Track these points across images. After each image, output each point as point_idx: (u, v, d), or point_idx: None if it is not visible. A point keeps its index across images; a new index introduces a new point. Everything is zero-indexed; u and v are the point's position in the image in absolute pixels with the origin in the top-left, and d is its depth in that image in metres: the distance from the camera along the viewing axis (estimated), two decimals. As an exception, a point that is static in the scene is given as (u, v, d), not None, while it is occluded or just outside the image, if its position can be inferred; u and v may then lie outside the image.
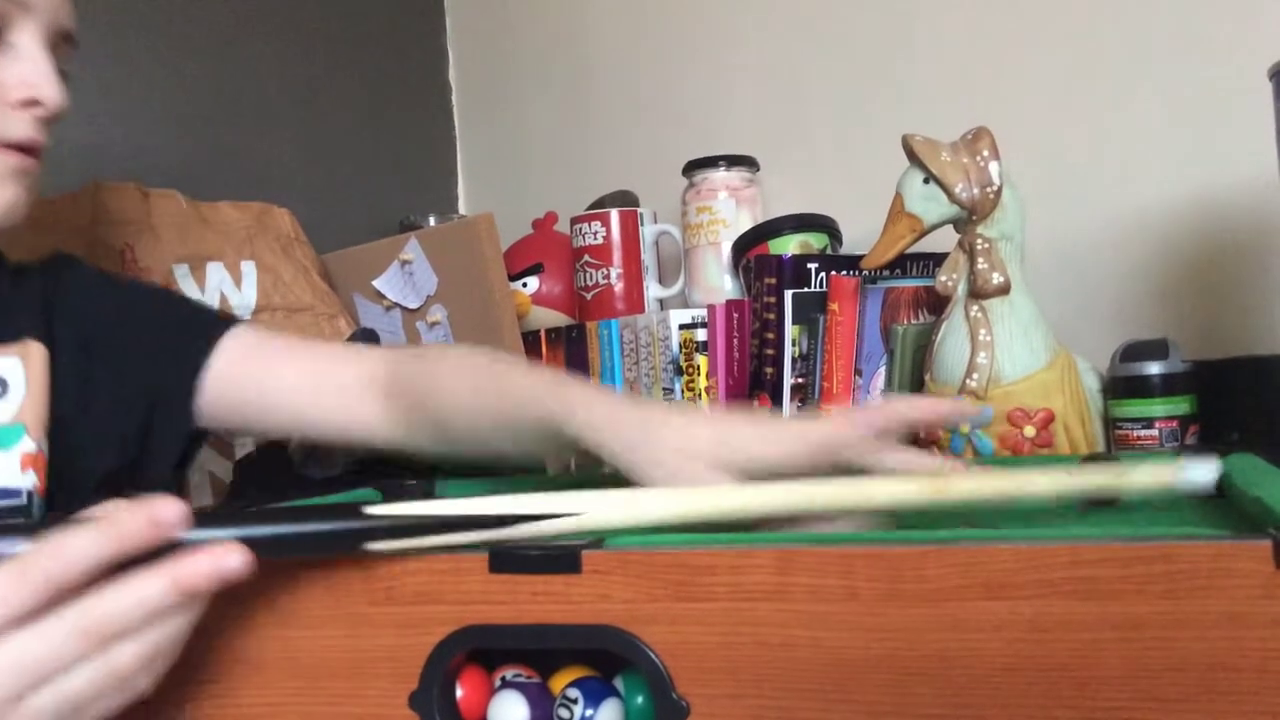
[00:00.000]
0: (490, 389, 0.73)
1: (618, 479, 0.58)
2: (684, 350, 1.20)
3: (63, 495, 0.81)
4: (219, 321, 0.87)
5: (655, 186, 1.42)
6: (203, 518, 0.45)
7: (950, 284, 0.96)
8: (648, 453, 0.60)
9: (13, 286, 0.86)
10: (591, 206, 1.40)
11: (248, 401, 0.85)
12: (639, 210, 1.36)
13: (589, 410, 0.63)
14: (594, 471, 0.68)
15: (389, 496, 0.81)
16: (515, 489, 0.82)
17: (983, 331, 0.93)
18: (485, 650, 0.49)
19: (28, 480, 0.78)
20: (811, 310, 1.07)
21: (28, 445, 0.79)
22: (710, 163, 1.29)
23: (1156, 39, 1.10)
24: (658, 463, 0.59)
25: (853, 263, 1.08)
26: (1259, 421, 0.97)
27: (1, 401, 0.80)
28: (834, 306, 1.05)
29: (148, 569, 0.43)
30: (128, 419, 0.85)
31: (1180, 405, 0.95)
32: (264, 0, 1.60)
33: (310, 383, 0.83)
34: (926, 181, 0.94)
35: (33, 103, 0.77)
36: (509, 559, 0.46)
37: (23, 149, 0.78)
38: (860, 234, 1.23)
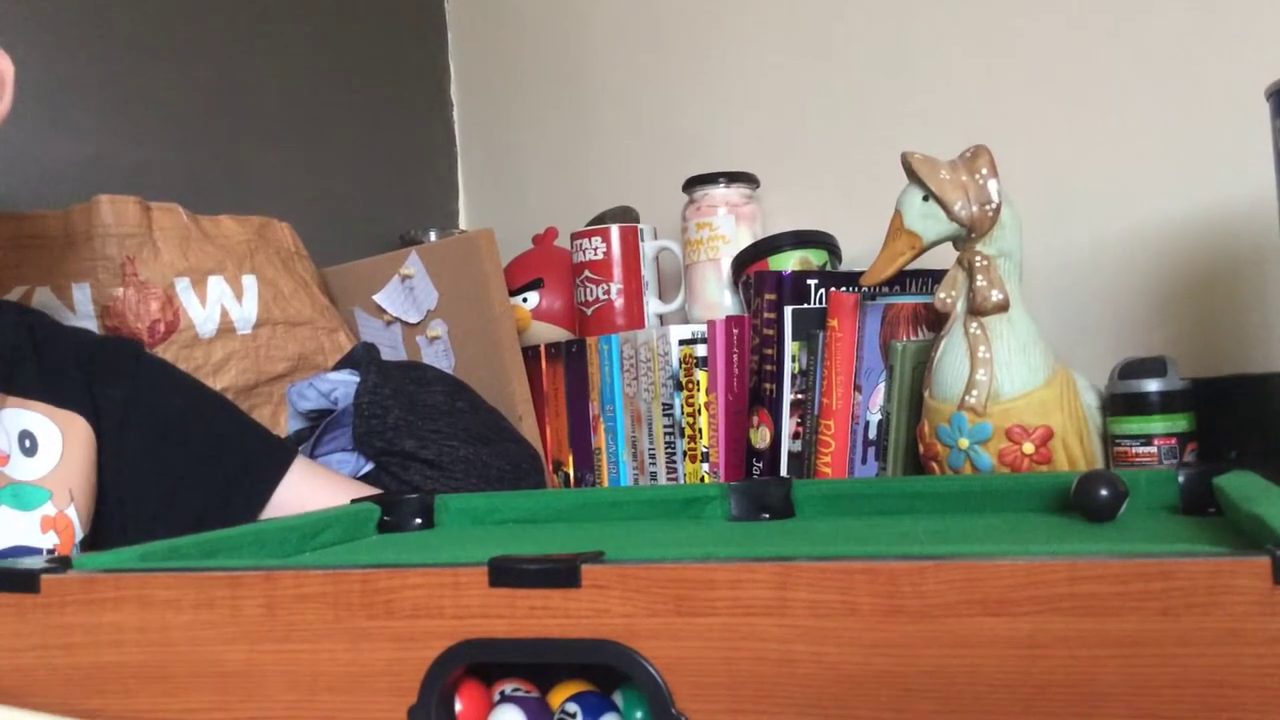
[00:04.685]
0: None
1: None
2: (684, 366, 1.20)
3: None
4: (281, 456, 0.96)
5: (655, 202, 1.43)
6: None
7: (949, 301, 0.96)
8: None
9: (52, 345, 0.90)
10: (592, 222, 1.40)
11: None
12: (639, 226, 1.37)
13: None
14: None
15: (389, 511, 0.81)
16: (514, 504, 0.82)
17: (981, 348, 0.93)
18: (484, 664, 0.49)
19: (47, 541, 0.81)
20: (811, 326, 1.08)
21: (49, 509, 0.81)
22: (710, 179, 1.29)
23: (1154, 58, 1.10)
24: None
25: (852, 279, 1.08)
26: (1257, 439, 0.97)
27: (28, 460, 0.82)
28: (833, 323, 1.05)
29: None
30: (180, 523, 0.90)
31: (1179, 422, 0.95)
32: (265, 15, 1.61)
33: None
34: (926, 199, 0.94)
35: None
36: (508, 573, 0.46)
37: None
38: (859, 251, 1.23)
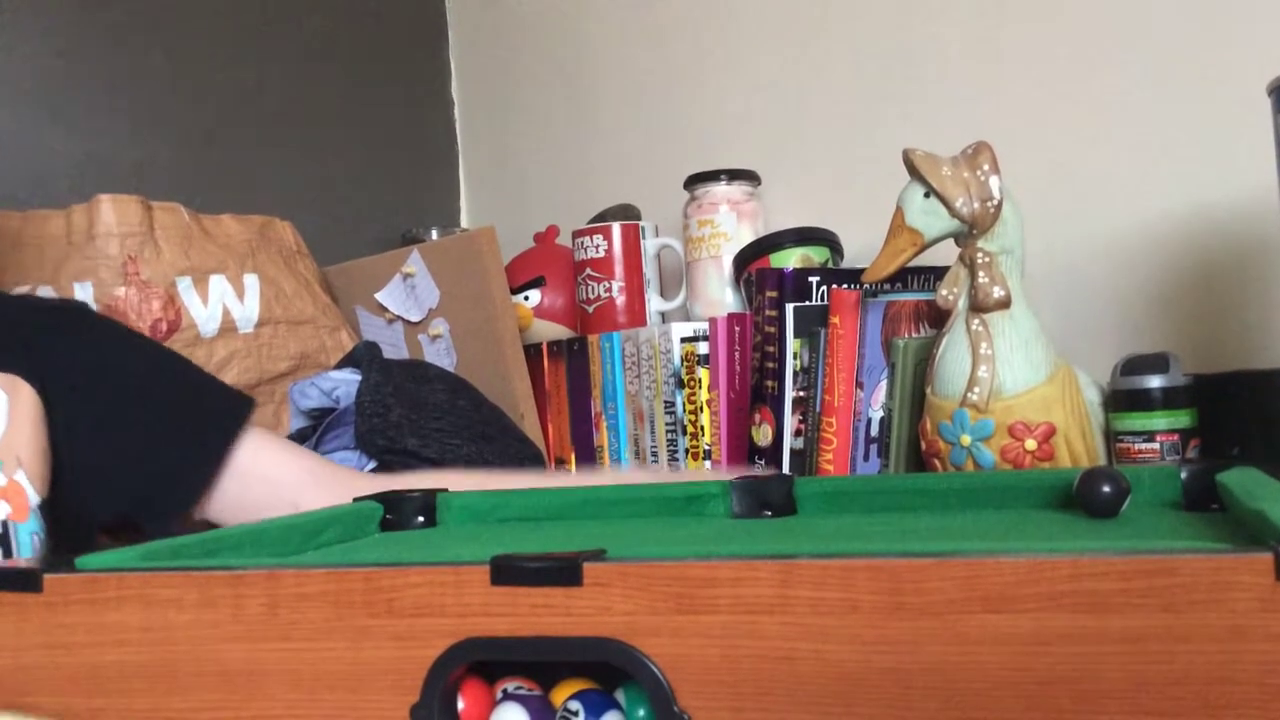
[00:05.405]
0: None
1: None
2: (685, 363, 1.20)
3: (65, 535, 0.85)
4: (238, 415, 0.95)
5: (657, 200, 1.43)
6: None
7: (951, 298, 0.96)
8: None
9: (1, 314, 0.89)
10: (593, 220, 1.40)
11: (255, 497, 0.92)
12: (640, 224, 1.36)
13: None
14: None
15: (391, 509, 0.81)
16: (516, 502, 0.82)
17: (983, 345, 0.93)
18: (486, 662, 0.49)
19: (1, 511, 0.80)
20: (813, 324, 1.08)
21: (0, 480, 0.81)
22: (712, 176, 1.29)
23: (1156, 54, 1.10)
24: None
25: (854, 276, 1.08)
26: (1259, 435, 0.97)
27: None
28: (835, 320, 1.05)
29: None
30: (137, 481, 0.90)
31: (1181, 418, 0.95)
32: (267, 15, 1.61)
33: (310, 478, 0.94)
34: (927, 196, 0.94)
35: None
36: (510, 571, 0.46)
37: None
38: (861, 248, 1.23)
